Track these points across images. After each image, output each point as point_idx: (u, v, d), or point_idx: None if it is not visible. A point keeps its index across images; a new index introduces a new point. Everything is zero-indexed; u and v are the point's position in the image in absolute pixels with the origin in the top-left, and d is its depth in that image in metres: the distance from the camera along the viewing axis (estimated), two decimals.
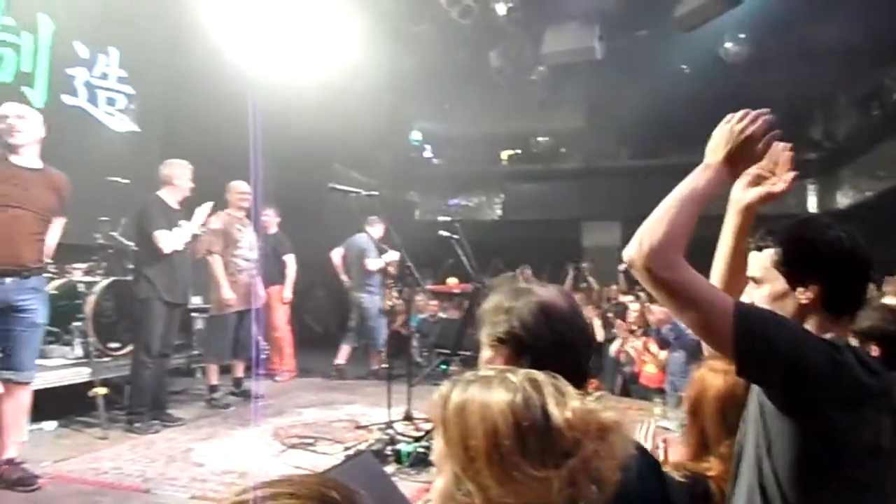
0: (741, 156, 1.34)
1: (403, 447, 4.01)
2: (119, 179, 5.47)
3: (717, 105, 1.78)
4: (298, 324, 6.64)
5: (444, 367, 7.09)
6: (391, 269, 7.03)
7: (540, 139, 11.34)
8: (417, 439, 4.20)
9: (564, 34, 7.86)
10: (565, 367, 0.99)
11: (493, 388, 0.88)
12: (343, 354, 7.08)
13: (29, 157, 3.65)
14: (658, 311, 5.67)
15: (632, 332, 6.25)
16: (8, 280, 3.47)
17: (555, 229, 11.23)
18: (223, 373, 5.77)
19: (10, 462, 3.55)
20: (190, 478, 3.72)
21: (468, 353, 7.34)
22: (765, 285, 1.41)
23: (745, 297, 1.43)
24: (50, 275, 4.37)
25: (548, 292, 1.34)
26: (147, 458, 4.05)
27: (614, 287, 8.46)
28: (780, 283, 1.38)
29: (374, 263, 6.83)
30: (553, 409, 0.85)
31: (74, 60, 6.32)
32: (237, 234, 5.65)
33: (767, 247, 1.41)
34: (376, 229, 6.82)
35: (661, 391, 5.68)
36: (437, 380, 6.76)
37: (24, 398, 3.64)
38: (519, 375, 0.90)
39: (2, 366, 3.50)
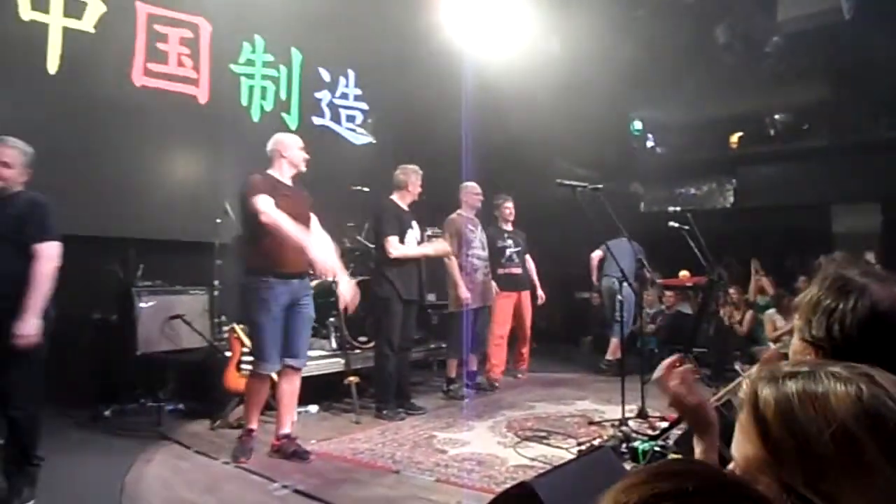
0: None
1: (640, 445, 3.89)
2: (361, 188, 6.02)
3: None
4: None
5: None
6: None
7: (777, 117, 10.30)
8: (653, 437, 4.06)
9: None
10: None
11: (822, 383, 0.75)
12: (613, 350, 6.98)
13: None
14: None
15: None
16: (295, 281, 4.02)
17: (797, 216, 10.12)
18: (460, 366, 6.07)
19: (287, 437, 4.09)
20: (434, 462, 3.97)
21: (702, 350, 6.95)
22: None
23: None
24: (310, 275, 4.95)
25: (887, 294, 1.11)
26: (395, 443, 4.40)
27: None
28: None
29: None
30: None
31: (320, 85, 7.09)
32: (470, 234, 5.89)
33: None
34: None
35: None
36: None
37: (297, 382, 4.17)
38: (843, 368, 0.77)
39: (284, 354, 4.02)
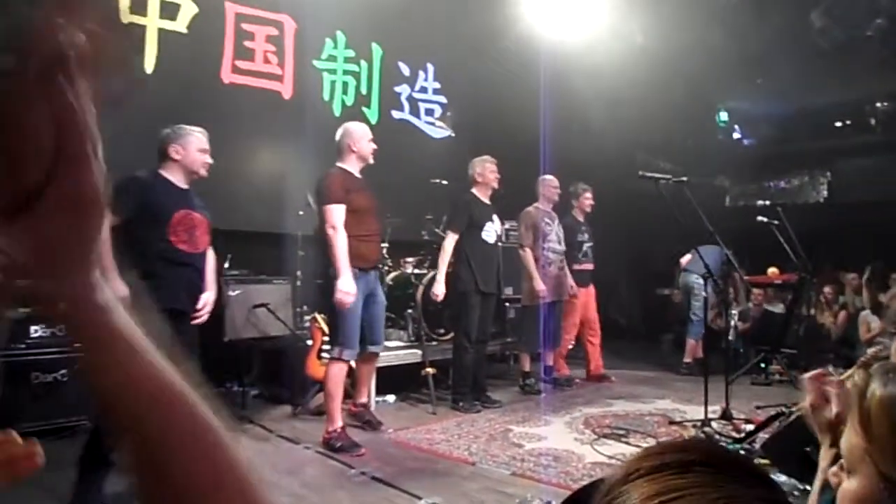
0: None
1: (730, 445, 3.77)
2: (440, 181, 6.06)
3: None
4: (603, 317, 6.62)
5: (763, 364, 6.50)
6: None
7: (878, 105, 9.69)
8: (738, 440, 3.92)
9: None
10: None
11: None
12: (690, 350, 6.80)
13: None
14: None
15: None
16: (371, 273, 4.30)
17: None
18: (535, 360, 6.03)
19: (364, 406, 4.57)
20: (509, 456, 3.96)
21: (792, 351, 6.63)
22: None
23: None
24: (388, 268, 5.05)
25: None
26: (471, 435, 4.42)
27: None
28: None
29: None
30: None
31: (399, 79, 7.17)
32: (546, 227, 5.84)
33: None
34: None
35: None
36: (756, 377, 6.20)
37: (374, 363, 4.64)
38: None
39: (367, 341, 4.33)
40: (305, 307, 5.61)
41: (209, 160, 3.45)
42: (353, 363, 4.45)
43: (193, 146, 3.38)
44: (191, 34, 5.49)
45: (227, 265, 5.41)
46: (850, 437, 0.82)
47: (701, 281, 6.35)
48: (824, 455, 1.31)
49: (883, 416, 0.77)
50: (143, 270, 2.96)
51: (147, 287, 2.90)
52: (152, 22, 5.29)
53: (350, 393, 4.64)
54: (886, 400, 0.78)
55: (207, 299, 3.41)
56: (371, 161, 4.27)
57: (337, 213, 4.01)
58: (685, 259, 6.99)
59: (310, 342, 5.05)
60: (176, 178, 3.37)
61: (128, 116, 4.98)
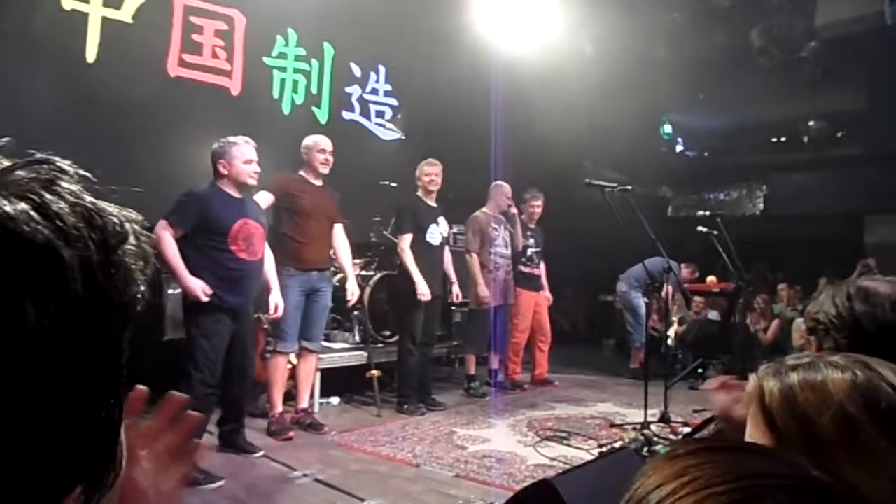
0: None
1: (661, 449, 3.86)
2: (389, 183, 6.04)
3: None
4: (549, 322, 6.71)
5: (700, 370, 6.71)
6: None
7: (811, 124, 10.14)
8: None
9: (843, 1, 6.96)
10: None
11: (820, 372, 0.81)
12: (636, 356, 6.93)
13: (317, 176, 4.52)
14: None
15: None
16: (314, 273, 4.44)
17: (830, 225, 9.95)
18: (480, 364, 6.07)
19: (305, 410, 4.56)
20: (453, 458, 3.98)
21: (727, 357, 6.87)
22: None
23: None
24: (334, 269, 5.00)
25: (874, 283, 1.19)
26: (416, 437, 4.42)
27: None
28: None
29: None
30: None
31: (350, 80, 7.13)
32: (493, 232, 5.88)
33: None
34: None
35: None
36: (694, 382, 6.39)
37: (313, 363, 4.66)
38: (841, 358, 0.82)
39: (301, 336, 4.47)
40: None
41: (256, 169, 3.76)
42: (293, 360, 4.58)
43: (238, 159, 3.69)
44: (136, 24, 5.33)
45: None
46: (755, 438, 0.84)
47: (638, 295, 6.54)
48: None
49: (784, 411, 0.80)
50: (208, 278, 3.52)
51: (214, 291, 3.34)
52: (95, 10, 5.12)
53: (292, 393, 4.65)
54: (784, 395, 0.81)
55: (276, 300, 4.01)
56: (322, 171, 4.52)
57: (263, 200, 4.22)
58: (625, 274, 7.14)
59: None
60: (230, 189, 3.71)
61: (69, 105, 4.84)
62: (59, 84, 4.89)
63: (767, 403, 0.82)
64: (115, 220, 0.41)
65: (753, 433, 0.85)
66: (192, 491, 3.24)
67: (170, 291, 4.95)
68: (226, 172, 3.69)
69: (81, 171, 0.43)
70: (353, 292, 4.69)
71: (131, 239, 0.42)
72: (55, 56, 4.93)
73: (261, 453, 3.89)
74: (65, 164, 0.42)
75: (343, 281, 4.89)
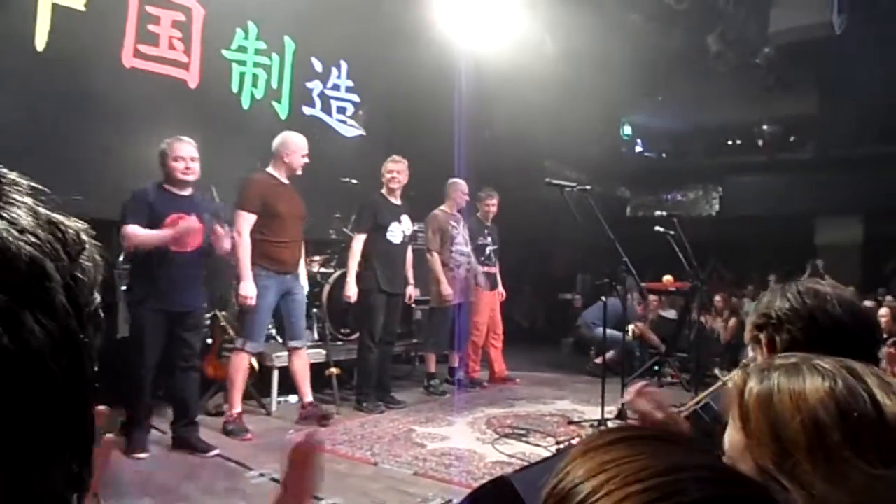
0: None
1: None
2: (349, 180, 6.00)
3: None
4: (507, 320, 6.75)
5: (657, 367, 6.83)
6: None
7: (765, 128, 10.43)
8: None
9: (795, 10, 7.16)
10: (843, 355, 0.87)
11: (802, 376, 0.80)
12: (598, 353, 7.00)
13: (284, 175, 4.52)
14: None
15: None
16: (288, 276, 4.47)
17: (782, 226, 10.24)
18: (440, 362, 6.07)
19: (311, 404, 4.63)
20: (412, 456, 3.98)
21: (683, 355, 7.01)
22: None
23: None
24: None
25: (819, 284, 1.24)
26: (375, 436, 4.40)
27: (850, 289, 7.51)
28: None
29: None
30: (884, 400, 0.75)
31: (312, 75, 7.04)
32: (453, 230, 5.88)
33: None
34: None
35: None
36: (650, 380, 6.50)
37: (304, 357, 4.69)
38: (829, 362, 0.81)
39: (287, 336, 4.60)
40: (205, 304, 5.39)
41: (188, 165, 3.81)
42: (254, 362, 4.55)
43: (169, 157, 3.81)
44: (89, 12, 5.17)
45: (121, 258, 5.14)
46: (731, 434, 0.85)
47: (600, 328, 6.60)
48: None
49: (759, 411, 0.80)
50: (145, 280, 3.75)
51: (148, 293, 3.68)
52: None
53: (251, 392, 4.66)
54: (762, 396, 0.81)
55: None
56: (299, 172, 4.51)
57: (245, 221, 4.26)
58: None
59: (209, 341, 4.87)
60: (172, 187, 3.83)
61: (16, 96, 4.67)
62: (4, 73, 4.72)
63: (745, 402, 0.83)
64: (72, 231, 0.42)
65: (730, 429, 0.85)
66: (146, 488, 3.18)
67: (123, 288, 4.85)
68: (165, 171, 3.83)
69: (32, 183, 0.43)
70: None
71: (87, 248, 0.43)
72: (1, 43, 4.76)
73: (215, 452, 3.82)
74: (13, 175, 0.42)
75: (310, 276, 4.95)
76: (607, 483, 0.51)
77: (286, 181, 4.48)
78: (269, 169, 4.48)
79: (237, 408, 4.31)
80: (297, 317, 4.58)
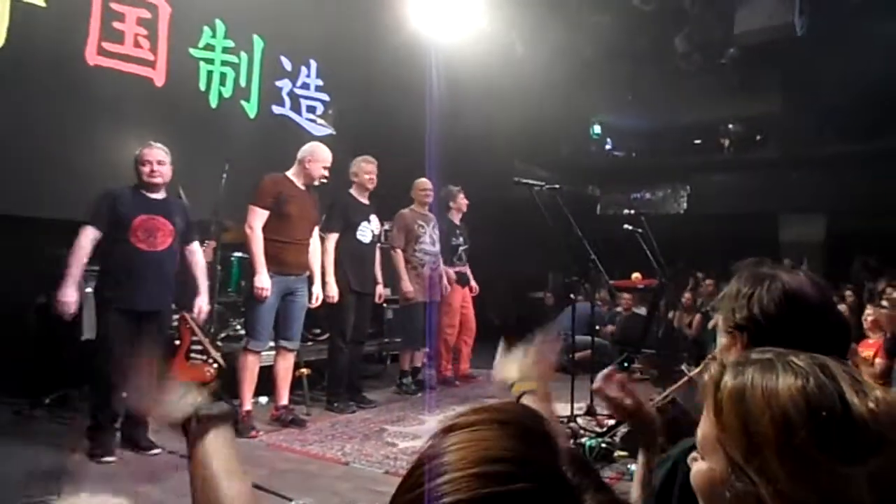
0: None
1: (587, 441, 3.98)
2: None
3: None
4: (480, 316, 6.77)
5: (626, 364, 6.90)
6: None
7: (731, 127, 10.62)
8: (601, 434, 4.15)
9: (759, 11, 7.29)
10: None
11: (776, 372, 0.81)
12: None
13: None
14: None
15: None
16: (291, 277, 4.54)
17: (747, 223, 10.44)
18: (411, 361, 6.06)
19: (285, 407, 4.63)
20: (383, 455, 3.98)
21: (651, 352, 7.10)
22: None
23: None
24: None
25: (795, 279, 1.23)
26: (346, 435, 4.39)
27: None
28: None
29: None
30: (853, 399, 0.76)
31: (281, 74, 6.99)
32: (419, 230, 5.88)
33: None
34: None
35: None
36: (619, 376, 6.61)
37: (291, 360, 4.71)
38: (803, 359, 0.82)
39: (280, 336, 4.60)
40: (174, 305, 5.32)
41: (152, 168, 3.85)
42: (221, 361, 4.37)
43: (138, 161, 3.87)
44: (51, 8, 5.07)
45: (85, 260, 5.05)
46: (704, 426, 0.86)
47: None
48: (640, 440, 1.44)
49: (732, 406, 0.81)
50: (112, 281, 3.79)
51: (114, 293, 3.70)
52: None
53: (220, 394, 4.54)
54: (735, 391, 0.81)
55: (202, 304, 4.18)
56: (315, 184, 4.65)
57: (257, 217, 4.38)
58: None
59: (177, 342, 4.80)
60: (144, 190, 3.87)
61: None
62: None
63: (719, 395, 0.83)
64: None
65: (703, 422, 0.86)
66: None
67: (87, 290, 4.76)
68: (136, 174, 3.88)
69: None
70: (316, 296, 4.75)
71: None
72: None
73: (157, 451, 3.80)
74: None
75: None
76: (457, 461, 0.56)
77: (302, 187, 4.58)
78: (289, 172, 4.61)
79: (246, 405, 4.41)
80: (294, 318, 4.62)
